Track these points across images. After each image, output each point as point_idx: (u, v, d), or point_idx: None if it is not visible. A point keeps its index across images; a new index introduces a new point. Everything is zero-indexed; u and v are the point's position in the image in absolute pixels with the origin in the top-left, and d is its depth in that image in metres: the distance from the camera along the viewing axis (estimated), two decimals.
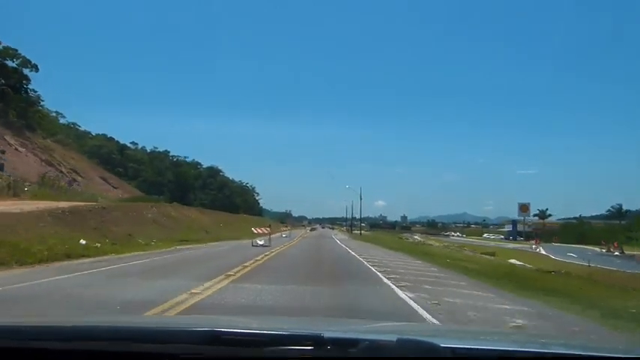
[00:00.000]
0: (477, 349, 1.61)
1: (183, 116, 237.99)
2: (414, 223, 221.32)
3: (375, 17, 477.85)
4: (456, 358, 1.45)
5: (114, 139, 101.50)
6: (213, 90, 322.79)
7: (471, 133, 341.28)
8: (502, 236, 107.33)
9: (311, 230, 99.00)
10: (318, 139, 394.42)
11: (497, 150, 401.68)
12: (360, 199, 61.37)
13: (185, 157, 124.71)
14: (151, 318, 5.16)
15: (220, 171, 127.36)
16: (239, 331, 1.62)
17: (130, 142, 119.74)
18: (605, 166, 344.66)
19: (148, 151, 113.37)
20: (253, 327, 1.90)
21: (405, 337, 1.51)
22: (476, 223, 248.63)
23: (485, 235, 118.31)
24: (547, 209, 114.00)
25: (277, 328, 2.00)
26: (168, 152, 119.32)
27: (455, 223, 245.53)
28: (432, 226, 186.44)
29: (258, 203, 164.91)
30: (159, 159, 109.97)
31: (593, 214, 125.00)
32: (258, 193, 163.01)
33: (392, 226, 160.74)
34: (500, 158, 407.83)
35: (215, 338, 1.45)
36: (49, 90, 79.91)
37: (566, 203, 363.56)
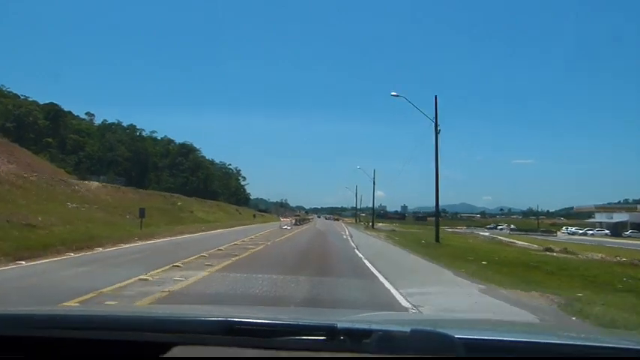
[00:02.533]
0: (491, 339, 1.59)
1: (184, 109, 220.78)
2: (416, 213, 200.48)
3: (374, 13, 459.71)
4: (469, 349, 1.39)
5: (56, 105, 76.24)
6: (217, 85, 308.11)
7: (467, 125, 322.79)
8: (606, 231, 73.13)
9: (296, 223, 48.87)
10: (318, 132, 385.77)
11: (494, 140, 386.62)
12: (436, 148, 25.84)
13: (153, 132, 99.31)
14: (164, 307, 4.94)
15: (195, 149, 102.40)
16: (252, 320, 1.57)
17: (86, 113, 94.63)
18: (604, 158, 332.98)
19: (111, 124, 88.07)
20: (266, 317, 1.80)
21: (419, 327, 1.49)
22: (483, 214, 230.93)
23: (568, 229, 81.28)
24: None
25: (290, 318, 1.87)
26: (134, 126, 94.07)
27: (459, 213, 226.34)
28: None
29: (244, 189, 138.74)
30: (111, 131, 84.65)
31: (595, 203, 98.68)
32: (244, 178, 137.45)
33: (401, 216, 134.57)
34: (497, 149, 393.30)
35: (228, 328, 1.44)
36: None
37: (562, 193, 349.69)
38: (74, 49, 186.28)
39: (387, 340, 1.37)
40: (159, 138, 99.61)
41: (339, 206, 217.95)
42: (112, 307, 3.59)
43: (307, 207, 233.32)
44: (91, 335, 1.51)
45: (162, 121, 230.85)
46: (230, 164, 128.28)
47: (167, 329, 1.52)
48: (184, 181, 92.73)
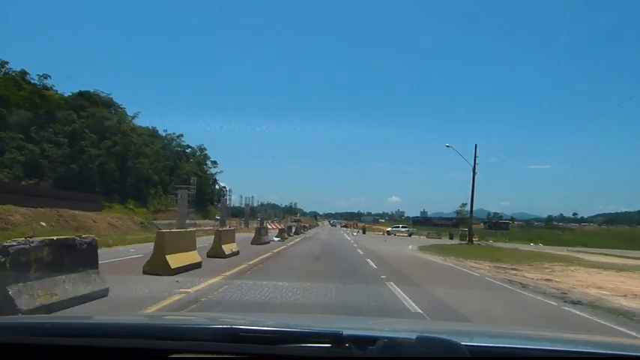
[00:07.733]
0: (498, 347, 1.60)
1: (186, 112, 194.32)
2: (437, 219, 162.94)
3: (385, 16, 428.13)
4: (475, 356, 1.41)
5: None
6: (221, 87, 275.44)
7: (484, 129, 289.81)
8: None
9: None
10: (332, 137, 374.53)
11: (510, 145, 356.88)
12: None
13: (44, 77, 56.80)
14: (170, 314, 5.04)
15: (106, 101, 60.12)
16: (257, 328, 1.58)
17: None
18: (618, 163, 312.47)
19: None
20: (272, 324, 1.81)
21: (425, 334, 1.49)
22: (513, 219, 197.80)
23: None
24: None
25: (296, 325, 1.88)
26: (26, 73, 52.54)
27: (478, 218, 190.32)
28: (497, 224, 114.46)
29: (215, 180, 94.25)
30: None
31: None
32: (215, 163, 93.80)
33: (453, 222, 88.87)
34: (513, 153, 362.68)
35: (233, 335, 1.44)
36: None
37: (584, 198, 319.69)
38: (72, 41, 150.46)
39: (392, 347, 1.37)
40: (67, 94, 57.29)
41: (355, 211, 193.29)
42: (117, 314, 3.85)
43: (321, 212, 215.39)
44: (97, 343, 1.48)
45: (165, 125, 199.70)
46: (182, 135, 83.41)
47: (172, 337, 1.51)
48: (71, 152, 51.03)
